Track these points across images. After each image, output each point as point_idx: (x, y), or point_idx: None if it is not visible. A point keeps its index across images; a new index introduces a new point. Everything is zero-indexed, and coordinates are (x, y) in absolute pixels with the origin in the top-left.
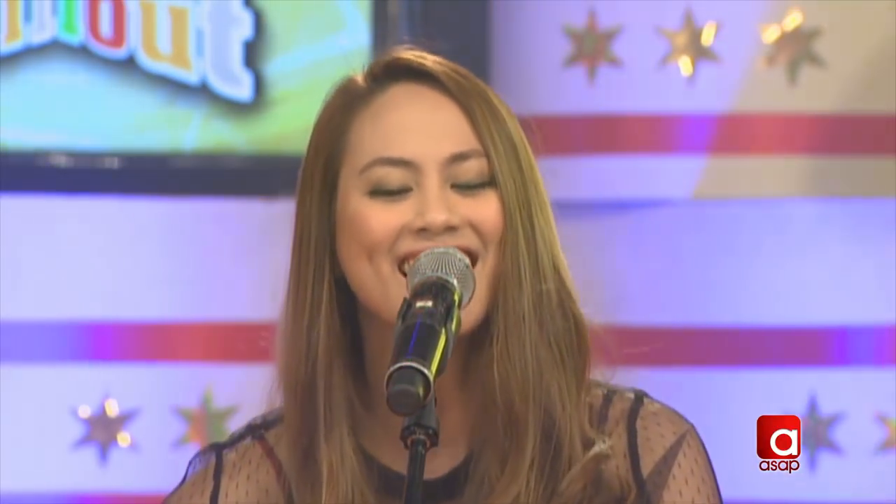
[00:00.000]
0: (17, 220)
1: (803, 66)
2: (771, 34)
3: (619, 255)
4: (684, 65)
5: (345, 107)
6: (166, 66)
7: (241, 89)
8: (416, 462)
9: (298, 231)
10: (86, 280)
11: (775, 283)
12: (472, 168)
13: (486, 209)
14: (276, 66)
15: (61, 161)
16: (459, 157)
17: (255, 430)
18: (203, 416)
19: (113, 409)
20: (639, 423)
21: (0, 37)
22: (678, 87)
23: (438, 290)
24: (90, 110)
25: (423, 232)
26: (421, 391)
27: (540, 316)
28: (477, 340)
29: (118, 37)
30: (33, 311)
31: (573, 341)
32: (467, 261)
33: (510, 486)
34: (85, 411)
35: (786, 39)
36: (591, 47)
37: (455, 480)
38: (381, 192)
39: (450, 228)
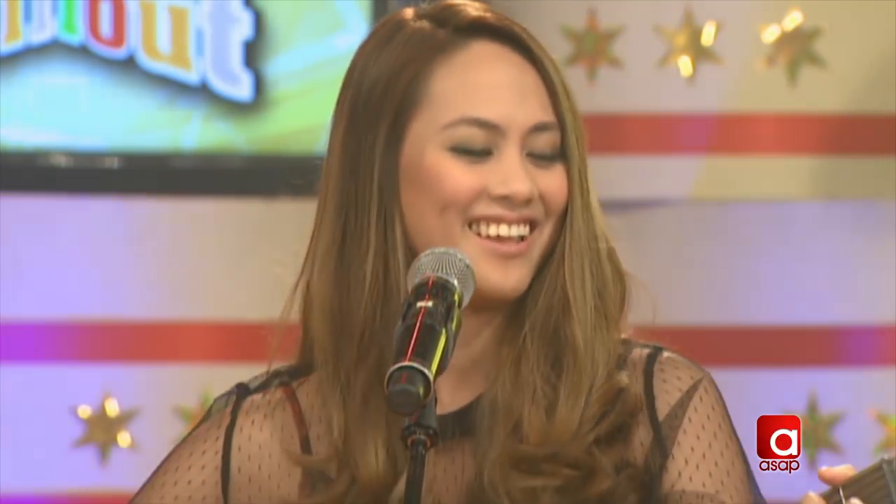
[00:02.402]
0: (17, 220)
1: (803, 66)
2: (771, 34)
3: (620, 255)
4: (684, 65)
5: (420, 53)
6: (166, 66)
7: (241, 89)
8: (417, 462)
9: (353, 168)
10: (86, 280)
11: (775, 284)
12: (549, 140)
13: (556, 183)
14: (276, 66)
15: (61, 161)
16: (541, 128)
17: (281, 377)
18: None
19: (113, 409)
20: (656, 367)
21: (0, 37)
22: (678, 87)
23: (439, 290)
24: (90, 110)
25: (504, 200)
26: (421, 391)
27: (595, 290)
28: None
29: (118, 37)
30: (33, 311)
31: (615, 297)
32: (467, 261)
33: (571, 414)
34: (85, 411)
35: (786, 39)
36: (591, 47)
37: (467, 416)
38: (463, 151)
39: (527, 201)
